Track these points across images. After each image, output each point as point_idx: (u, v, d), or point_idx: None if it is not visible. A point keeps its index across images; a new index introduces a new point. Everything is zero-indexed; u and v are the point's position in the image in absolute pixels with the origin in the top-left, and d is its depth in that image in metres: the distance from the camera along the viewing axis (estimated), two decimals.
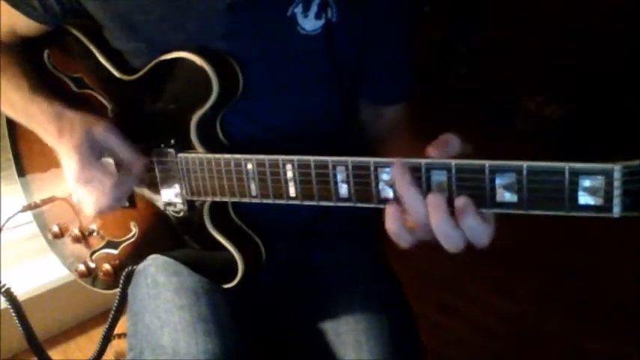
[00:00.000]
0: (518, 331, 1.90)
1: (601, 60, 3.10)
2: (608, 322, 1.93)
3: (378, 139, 0.99)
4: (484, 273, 2.10)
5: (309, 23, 0.85)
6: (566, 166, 0.56)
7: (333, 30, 0.85)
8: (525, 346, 1.85)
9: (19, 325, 0.95)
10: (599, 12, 3.07)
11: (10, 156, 1.10)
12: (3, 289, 0.94)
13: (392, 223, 0.66)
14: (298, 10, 0.84)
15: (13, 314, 0.95)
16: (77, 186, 0.85)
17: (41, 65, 0.98)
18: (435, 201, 0.62)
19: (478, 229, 0.61)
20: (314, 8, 0.84)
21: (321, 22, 0.85)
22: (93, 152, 0.83)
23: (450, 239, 0.63)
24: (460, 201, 0.61)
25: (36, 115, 0.89)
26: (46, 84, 0.94)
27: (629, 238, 2.27)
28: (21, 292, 1.04)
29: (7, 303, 0.94)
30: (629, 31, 2.98)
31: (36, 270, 1.69)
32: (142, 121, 0.90)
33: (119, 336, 1.08)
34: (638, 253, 2.23)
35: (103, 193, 0.84)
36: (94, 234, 1.01)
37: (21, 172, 1.10)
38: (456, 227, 0.62)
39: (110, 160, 0.88)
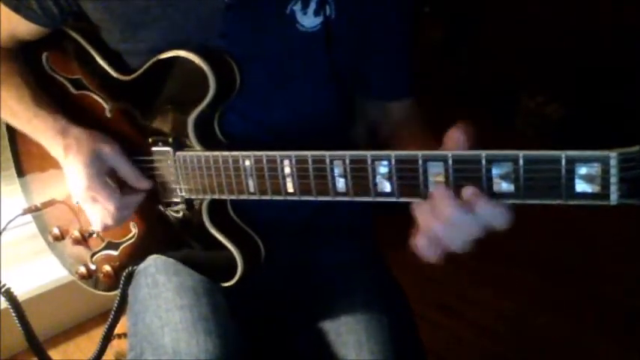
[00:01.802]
0: (518, 331, 1.90)
1: (601, 60, 3.09)
2: (608, 321, 1.92)
3: (389, 137, 0.98)
4: (484, 273, 2.10)
5: (308, 20, 0.85)
6: (563, 154, 0.56)
7: (331, 27, 0.86)
8: (525, 346, 1.85)
9: (19, 325, 0.95)
10: (599, 12, 3.07)
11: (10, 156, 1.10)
12: (3, 289, 0.94)
13: (423, 239, 0.64)
14: (297, 7, 0.84)
15: (13, 314, 0.95)
16: (83, 204, 0.88)
17: (39, 68, 0.98)
18: (440, 192, 0.61)
19: (496, 213, 0.60)
20: (313, 5, 0.84)
21: (319, 19, 0.85)
22: (99, 171, 0.86)
23: (466, 226, 0.61)
24: (469, 190, 0.60)
25: (41, 130, 0.91)
26: (46, 88, 0.95)
27: (629, 238, 2.27)
28: (21, 292, 1.04)
29: (7, 303, 0.94)
30: (629, 31, 2.98)
31: (36, 270, 1.69)
32: (140, 120, 0.90)
33: (119, 336, 1.08)
34: (638, 252, 2.24)
35: (106, 214, 0.87)
36: (94, 235, 1.01)
37: (20, 173, 1.10)
38: (469, 212, 0.60)
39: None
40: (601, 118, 2.94)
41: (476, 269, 2.07)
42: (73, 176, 0.87)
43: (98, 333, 0.99)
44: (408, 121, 0.99)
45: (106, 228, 0.90)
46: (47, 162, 0.99)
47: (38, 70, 0.97)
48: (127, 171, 0.88)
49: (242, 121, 0.89)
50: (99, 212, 0.88)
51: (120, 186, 0.89)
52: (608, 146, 0.56)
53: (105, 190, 0.86)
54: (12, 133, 1.07)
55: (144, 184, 0.89)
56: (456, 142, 0.62)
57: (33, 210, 1.06)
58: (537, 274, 2.16)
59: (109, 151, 0.87)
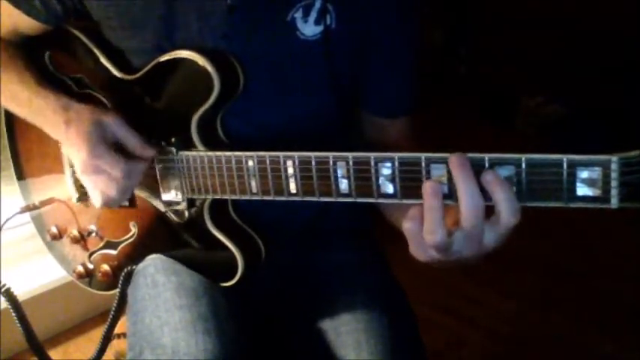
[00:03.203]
0: (518, 331, 1.91)
1: (601, 60, 3.10)
2: (608, 321, 1.93)
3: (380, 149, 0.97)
4: (484, 273, 2.10)
5: (309, 29, 0.85)
6: (564, 157, 0.57)
7: (331, 36, 0.86)
8: (526, 346, 1.85)
9: (19, 325, 0.95)
10: (600, 12, 3.07)
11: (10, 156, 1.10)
12: (3, 289, 0.94)
13: (414, 239, 0.65)
14: (298, 15, 0.84)
15: (13, 314, 0.95)
16: (85, 176, 0.84)
17: (42, 67, 0.98)
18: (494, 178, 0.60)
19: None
20: (313, 14, 0.85)
21: (320, 28, 0.85)
22: (102, 141, 0.83)
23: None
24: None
25: (42, 108, 0.88)
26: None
27: (629, 239, 2.27)
28: (21, 292, 1.04)
29: (7, 303, 0.94)
30: (629, 31, 2.98)
31: (36, 270, 1.69)
32: (143, 119, 0.89)
33: (119, 336, 1.08)
34: (638, 253, 2.24)
35: (111, 184, 0.83)
36: (93, 235, 1.01)
37: (19, 173, 1.09)
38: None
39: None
40: (601, 119, 2.94)
41: (476, 269, 2.06)
42: (74, 148, 0.84)
43: (98, 333, 0.99)
44: (403, 140, 0.98)
45: (108, 201, 0.86)
46: (46, 162, 0.99)
47: (41, 70, 0.97)
48: (130, 138, 0.85)
49: (242, 124, 0.89)
50: (102, 183, 0.84)
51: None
52: (607, 148, 0.57)
53: (109, 155, 0.82)
54: (11, 134, 1.07)
55: (148, 151, 0.86)
56: None
57: (31, 208, 1.06)
58: (537, 275, 2.17)
59: (112, 120, 0.84)
